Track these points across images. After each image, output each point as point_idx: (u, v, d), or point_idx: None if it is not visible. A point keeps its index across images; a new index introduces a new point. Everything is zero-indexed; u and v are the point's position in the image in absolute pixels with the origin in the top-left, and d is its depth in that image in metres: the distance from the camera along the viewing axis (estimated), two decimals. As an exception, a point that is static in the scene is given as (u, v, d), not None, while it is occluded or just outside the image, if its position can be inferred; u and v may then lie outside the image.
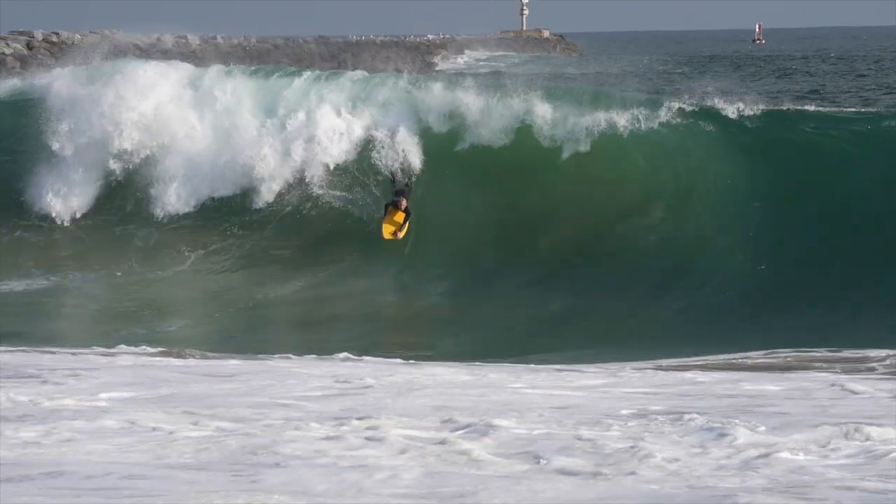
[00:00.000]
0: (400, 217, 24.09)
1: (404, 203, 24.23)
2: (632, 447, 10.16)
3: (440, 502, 8.29)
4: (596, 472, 9.33)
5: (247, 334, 22.30)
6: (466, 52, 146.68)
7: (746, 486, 8.80)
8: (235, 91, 31.47)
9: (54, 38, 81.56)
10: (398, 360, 18.03)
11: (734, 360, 19.22)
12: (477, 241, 26.66)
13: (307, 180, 29.19)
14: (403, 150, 27.94)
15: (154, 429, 11.19)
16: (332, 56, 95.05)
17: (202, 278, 27.27)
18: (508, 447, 10.28)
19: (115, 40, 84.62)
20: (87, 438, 10.75)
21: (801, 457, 9.92)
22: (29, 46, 76.52)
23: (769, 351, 19.51)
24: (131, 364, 16.94)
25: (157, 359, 17.74)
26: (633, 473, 9.34)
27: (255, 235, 28.95)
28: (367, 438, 10.69)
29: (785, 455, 9.94)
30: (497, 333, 22.25)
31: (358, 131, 29.10)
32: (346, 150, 29.11)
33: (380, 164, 28.30)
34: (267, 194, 29.44)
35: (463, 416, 11.52)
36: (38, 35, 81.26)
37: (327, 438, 10.70)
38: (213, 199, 30.05)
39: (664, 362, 19.52)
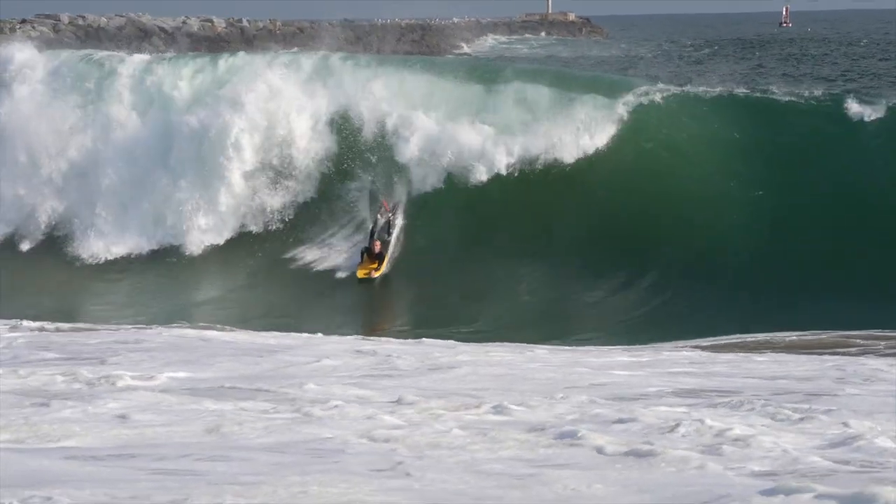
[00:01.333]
0: (373, 264, 24.29)
1: (378, 247, 24.44)
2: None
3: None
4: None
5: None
6: (490, 35, 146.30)
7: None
8: None
9: (80, 22, 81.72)
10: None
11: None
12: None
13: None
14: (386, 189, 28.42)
15: (219, 408, 11.26)
16: (358, 39, 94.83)
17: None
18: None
19: (140, 23, 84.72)
20: (152, 418, 10.82)
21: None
22: (55, 30, 76.69)
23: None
24: (183, 340, 17.19)
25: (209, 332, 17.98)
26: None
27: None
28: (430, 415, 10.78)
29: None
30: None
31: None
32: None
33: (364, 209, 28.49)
34: None
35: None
36: (65, 18, 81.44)
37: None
38: None
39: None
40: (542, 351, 17.84)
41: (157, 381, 13.05)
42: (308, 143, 30.17)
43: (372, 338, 20.23)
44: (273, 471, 8.54)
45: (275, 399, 11.90)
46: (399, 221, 26.26)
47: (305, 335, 19.33)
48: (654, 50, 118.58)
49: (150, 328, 19.73)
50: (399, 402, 11.80)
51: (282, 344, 17.52)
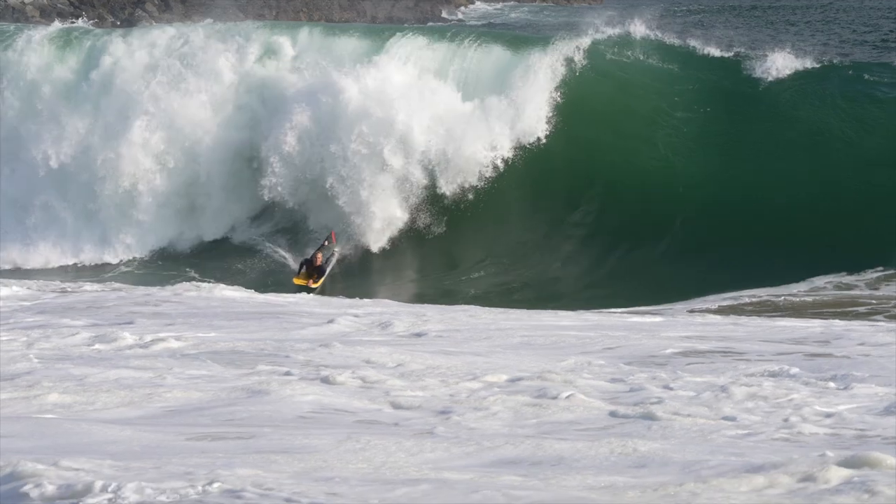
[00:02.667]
0: (311, 277, 24.00)
1: (319, 260, 24.11)
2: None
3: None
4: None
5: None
6: (479, 1, 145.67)
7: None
8: None
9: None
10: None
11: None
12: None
13: None
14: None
15: (246, 373, 11.10)
16: (351, 5, 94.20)
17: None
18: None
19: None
20: (180, 383, 10.65)
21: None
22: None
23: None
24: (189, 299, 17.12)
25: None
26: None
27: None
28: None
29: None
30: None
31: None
32: None
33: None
34: None
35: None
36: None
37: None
38: None
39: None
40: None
41: (174, 343, 12.86)
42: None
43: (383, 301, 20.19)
44: (319, 437, 8.38)
45: (298, 363, 11.70)
46: (337, 252, 25.79)
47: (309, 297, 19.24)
48: (644, 14, 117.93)
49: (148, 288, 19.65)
50: (429, 368, 11.64)
51: (289, 304, 17.43)
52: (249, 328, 14.23)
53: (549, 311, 18.92)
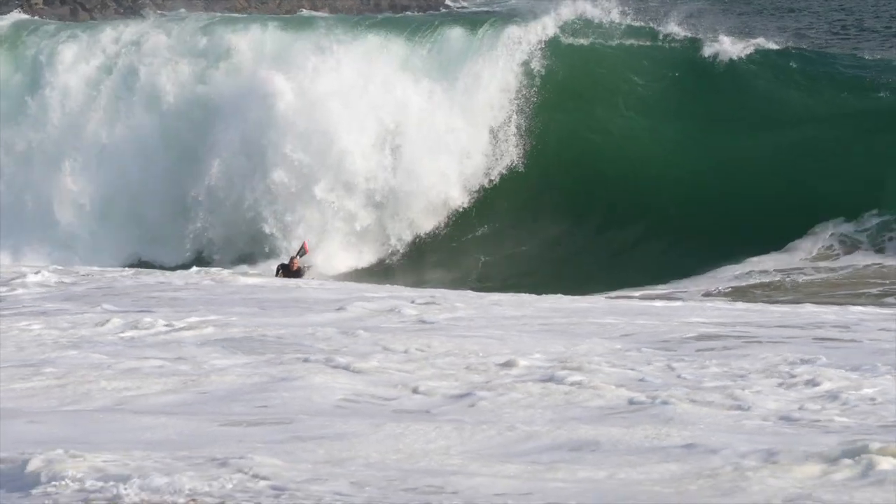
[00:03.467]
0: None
1: (296, 265, 23.65)
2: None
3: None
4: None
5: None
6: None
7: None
8: None
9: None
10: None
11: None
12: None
13: None
14: None
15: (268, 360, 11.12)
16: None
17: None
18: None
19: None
20: (205, 370, 10.68)
21: None
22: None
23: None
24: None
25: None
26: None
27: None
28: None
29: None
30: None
31: None
32: None
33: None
34: None
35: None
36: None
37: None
38: None
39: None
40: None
41: (201, 330, 12.90)
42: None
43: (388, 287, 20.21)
44: (354, 424, 8.41)
45: (324, 351, 11.73)
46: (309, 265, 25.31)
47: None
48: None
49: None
50: (452, 353, 11.68)
51: (306, 290, 17.47)
52: (272, 315, 14.27)
53: (562, 295, 18.93)
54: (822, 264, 22.63)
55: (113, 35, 31.09)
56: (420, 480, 6.62)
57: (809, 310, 16.23)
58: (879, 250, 22.91)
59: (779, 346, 12.00)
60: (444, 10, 65.17)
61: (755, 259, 23.25)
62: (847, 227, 23.89)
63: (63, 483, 6.97)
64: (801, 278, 21.63)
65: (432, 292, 17.97)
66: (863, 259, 22.67)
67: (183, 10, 34.05)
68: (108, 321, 13.18)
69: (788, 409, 9.06)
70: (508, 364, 10.87)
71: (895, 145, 25.16)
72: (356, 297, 16.17)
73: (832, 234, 23.65)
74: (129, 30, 31.22)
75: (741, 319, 14.71)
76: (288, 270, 22.97)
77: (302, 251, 23.81)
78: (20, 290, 16.44)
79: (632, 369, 10.79)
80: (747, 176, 25.54)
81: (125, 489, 6.86)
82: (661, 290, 22.39)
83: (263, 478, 6.95)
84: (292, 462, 7.33)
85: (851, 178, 24.51)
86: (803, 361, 10.86)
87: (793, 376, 10.24)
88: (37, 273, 17.68)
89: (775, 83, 27.04)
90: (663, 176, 26.20)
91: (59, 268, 19.46)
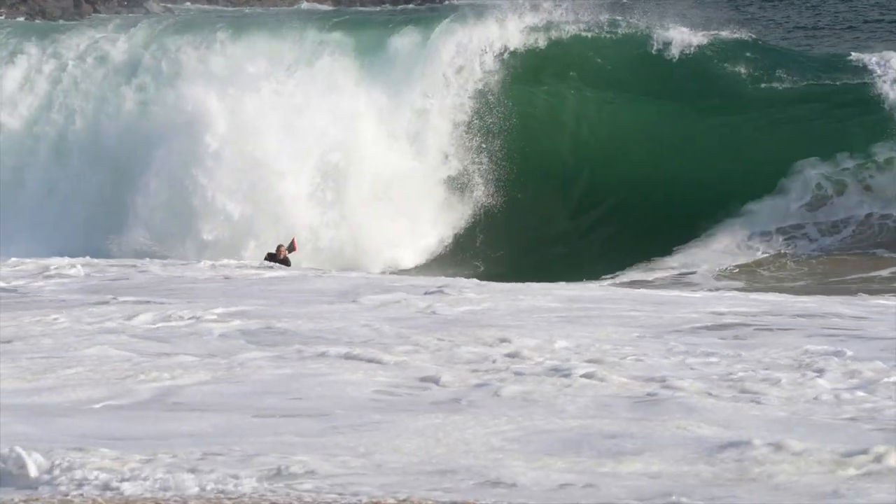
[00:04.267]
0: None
1: (283, 253, 23.05)
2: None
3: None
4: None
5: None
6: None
7: None
8: None
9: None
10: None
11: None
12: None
13: None
14: None
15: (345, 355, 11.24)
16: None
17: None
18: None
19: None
20: (227, 364, 10.75)
21: None
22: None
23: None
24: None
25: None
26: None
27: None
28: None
29: None
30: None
31: None
32: None
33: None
34: None
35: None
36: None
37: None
38: None
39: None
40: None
41: (223, 323, 12.99)
42: None
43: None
44: (391, 416, 8.50)
45: (354, 343, 11.82)
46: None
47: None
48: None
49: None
50: (470, 343, 11.78)
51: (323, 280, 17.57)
52: (292, 306, 14.36)
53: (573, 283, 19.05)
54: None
55: (65, 41, 30.48)
56: (473, 473, 6.72)
57: (831, 299, 16.35)
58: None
59: (802, 336, 12.12)
60: (446, 2, 64.79)
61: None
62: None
63: (103, 479, 7.07)
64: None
65: (446, 281, 18.03)
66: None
67: (188, 2, 33.78)
68: (137, 315, 13.31)
69: (820, 399, 9.17)
70: (531, 354, 10.98)
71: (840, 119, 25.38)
72: (373, 287, 16.27)
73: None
74: (76, 40, 30.53)
75: (752, 308, 14.83)
76: (275, 259, 22.63)
77: (290, 247, 23.51)
78: (43, 283, 16.57)
79: (659, 359, 10.90)
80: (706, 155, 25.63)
81: (160, 484, 6.96)
82: (663, 270, 22.60)
83: (304, 472, 7.04)
84: (330, 456, 7.42)
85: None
86: (832, 353, 10.98)
87: (819, 368, 10.35)
88: (72, 267, 17.85)
89: (727, 69, 27.12)
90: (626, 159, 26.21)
91: (91, 260, 19.55)
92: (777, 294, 17.27)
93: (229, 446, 7.78)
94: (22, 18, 47.74)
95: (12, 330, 12.50)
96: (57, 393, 9.67)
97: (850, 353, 10.96)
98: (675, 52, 27.72)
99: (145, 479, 7.11)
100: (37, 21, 50.43)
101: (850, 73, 26.57)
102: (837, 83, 26.44)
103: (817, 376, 10.01)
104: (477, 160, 26.52)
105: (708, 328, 12.81)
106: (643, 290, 17.45)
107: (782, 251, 23.25)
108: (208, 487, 6.92)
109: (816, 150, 24.61)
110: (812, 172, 24.05)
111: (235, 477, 7.04)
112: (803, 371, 10.24)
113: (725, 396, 9.33)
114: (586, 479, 6.54)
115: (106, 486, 7.00)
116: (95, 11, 54.92)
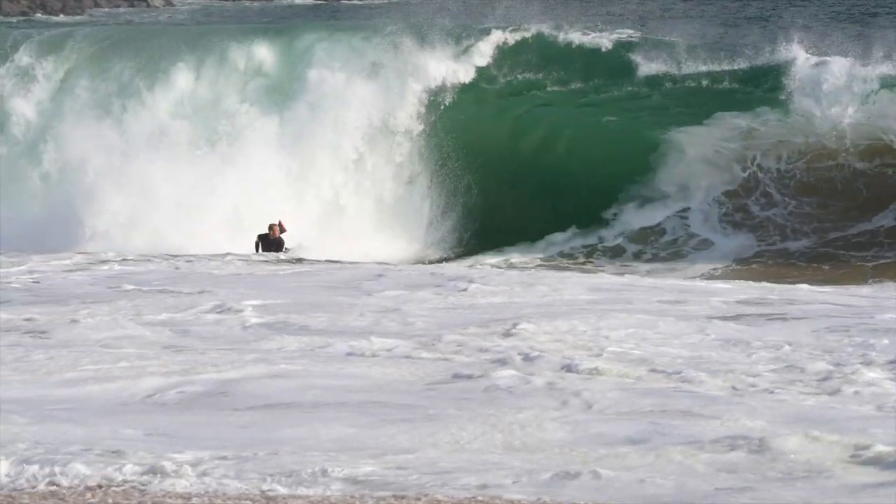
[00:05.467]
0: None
1: (276, 232, 22.66)
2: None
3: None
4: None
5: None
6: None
7: None
8: None
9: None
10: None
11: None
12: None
13: None
14: None
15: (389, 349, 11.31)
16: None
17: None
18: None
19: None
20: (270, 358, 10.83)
21: None
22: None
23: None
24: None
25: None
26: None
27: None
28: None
29: None
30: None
31: None
32: None
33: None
34: None
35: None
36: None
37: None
38: None
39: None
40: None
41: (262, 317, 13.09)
42: None
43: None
44: (448, 407, 8.57)
45: (401, 335, 11.95)
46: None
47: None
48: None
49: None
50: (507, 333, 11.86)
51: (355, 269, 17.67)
52: (330, 296, 14.51)
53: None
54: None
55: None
56: (556, 466, 6.80)
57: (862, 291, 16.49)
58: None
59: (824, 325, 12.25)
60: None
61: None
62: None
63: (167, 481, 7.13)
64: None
65: (466, 271, 18.12)
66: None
67: None
68: (195, 307, 13.52)
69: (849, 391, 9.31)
70: (578, 346, 11.11)
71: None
72: (395, 278, 16.40)
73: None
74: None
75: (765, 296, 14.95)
76: (267, 240, 22.12)
77: (280, 228, 22.84)
78: (80, 275, 16.73)
79: (697, 353, 11.00)
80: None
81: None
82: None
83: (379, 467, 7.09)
84: (381, 452, 7.49)
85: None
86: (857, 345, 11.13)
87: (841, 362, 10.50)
88: (122, 260, 18.00)
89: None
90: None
91: (146, 255, 19.66)
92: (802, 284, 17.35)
93: (283, 444, 7.82)
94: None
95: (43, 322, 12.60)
96: (98, 385, 9.76)
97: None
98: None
99: (199, 476, 7.18)
100: (37, 14, 50.53)
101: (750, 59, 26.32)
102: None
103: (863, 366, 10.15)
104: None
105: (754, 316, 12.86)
106: (672, 280, 17.48)
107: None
108: (263, 487, 6.99)
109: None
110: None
111: (292, 472, 7.10)
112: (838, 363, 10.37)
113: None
114: (662, 473, 6.61)
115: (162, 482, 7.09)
116: (97, 6, 54.80)
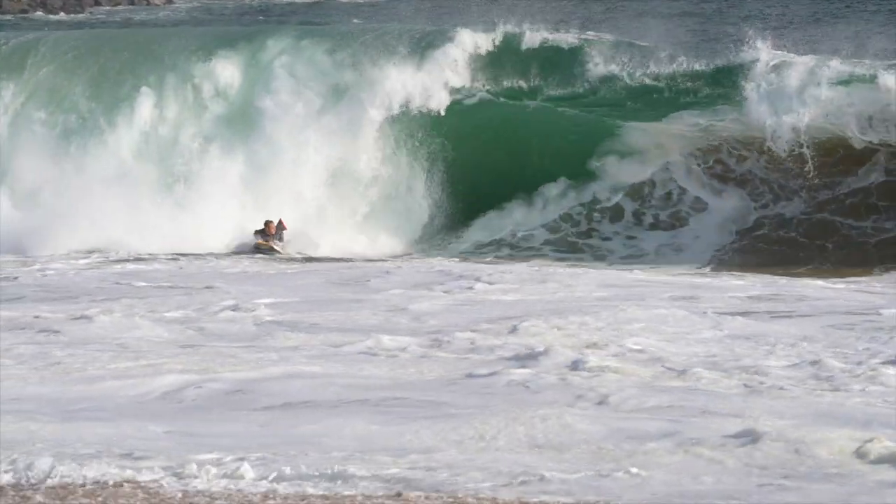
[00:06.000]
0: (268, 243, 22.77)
1: (273, 229, 22.49)
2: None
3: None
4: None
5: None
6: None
7: None
8: None
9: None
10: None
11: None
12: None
13: None
14: None
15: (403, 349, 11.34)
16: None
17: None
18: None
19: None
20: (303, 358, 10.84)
21: None
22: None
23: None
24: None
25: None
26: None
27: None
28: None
29: None
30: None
31: None
32: None
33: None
34: None
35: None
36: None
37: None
38: None
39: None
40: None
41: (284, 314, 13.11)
42: None
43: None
44: (468, 405, 8.59)
45: (424, 332, 12.02)
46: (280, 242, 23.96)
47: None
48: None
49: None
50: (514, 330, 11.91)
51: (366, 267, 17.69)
52: (346, 297, 14.54)
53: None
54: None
55: None
56: (587, 463, 6.82)
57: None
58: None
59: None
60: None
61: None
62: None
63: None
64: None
65: (474, 267, 18.13)
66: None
67: None
68: (214, 304, 13.60)
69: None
70: (604, 342, 11.17)
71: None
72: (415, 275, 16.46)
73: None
74: None
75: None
76: (264, 234, 21.97)
77: (279, 226, 22.80)
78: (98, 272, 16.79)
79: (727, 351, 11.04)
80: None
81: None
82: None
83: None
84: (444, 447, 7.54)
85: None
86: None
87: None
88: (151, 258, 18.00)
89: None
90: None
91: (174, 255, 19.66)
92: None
93: (329, 442, 7.85)
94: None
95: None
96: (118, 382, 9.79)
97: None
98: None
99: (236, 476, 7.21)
100: (38, 13, 50.42)
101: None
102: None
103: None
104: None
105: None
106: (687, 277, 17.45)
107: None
108: (287, 486, 7.01)
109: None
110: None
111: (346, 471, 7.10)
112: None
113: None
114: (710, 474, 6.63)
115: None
116: (97, 4, 54.68)
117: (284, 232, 22.31)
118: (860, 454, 7.12)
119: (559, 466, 6.90)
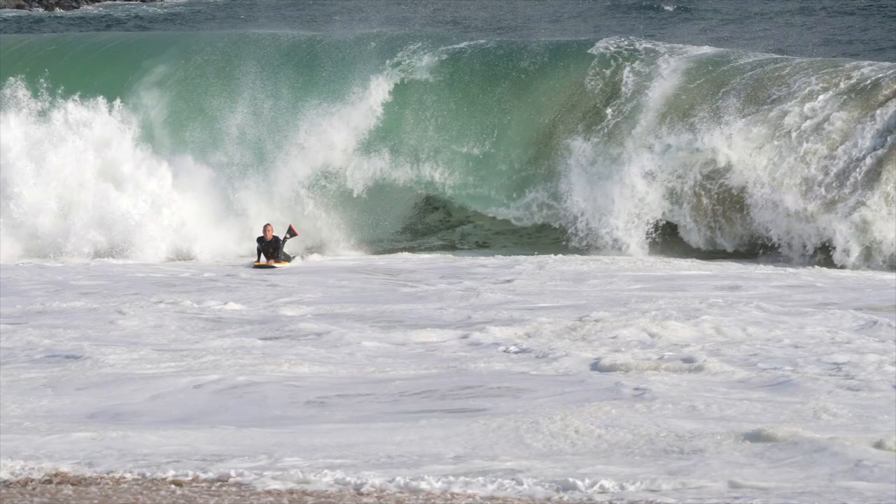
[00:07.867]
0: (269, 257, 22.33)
1: (271, 232, 21.87)
2: None
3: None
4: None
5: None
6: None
7: None
8: None
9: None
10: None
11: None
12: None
13: None
14: None
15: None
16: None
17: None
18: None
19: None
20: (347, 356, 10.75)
21: None
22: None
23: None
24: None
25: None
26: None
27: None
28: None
29: None
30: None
31: None
32: None
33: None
34: None
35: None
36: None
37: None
38: None
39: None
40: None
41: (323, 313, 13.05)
42: None
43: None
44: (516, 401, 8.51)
45: (469, 326, 11.94)
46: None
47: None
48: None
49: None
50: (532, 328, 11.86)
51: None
52: (388, 296, 14.60)
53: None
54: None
55: None
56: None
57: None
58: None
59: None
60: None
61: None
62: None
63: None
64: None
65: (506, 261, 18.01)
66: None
67: None
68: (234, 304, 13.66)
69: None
70: (642, 341, 11.18)
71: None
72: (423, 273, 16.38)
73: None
74: None
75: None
76: (263, 241, 21.67)
77: (291, 232, 22.56)
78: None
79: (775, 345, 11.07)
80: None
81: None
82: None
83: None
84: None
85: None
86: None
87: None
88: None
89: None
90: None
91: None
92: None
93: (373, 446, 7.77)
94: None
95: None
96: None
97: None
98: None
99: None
100: (34, 10, 50.15)
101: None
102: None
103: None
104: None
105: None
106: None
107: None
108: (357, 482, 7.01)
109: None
110: None
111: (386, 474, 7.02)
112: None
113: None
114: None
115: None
116: (93, 0, 54.41)
117: (294, 239, 22.06)
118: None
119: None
